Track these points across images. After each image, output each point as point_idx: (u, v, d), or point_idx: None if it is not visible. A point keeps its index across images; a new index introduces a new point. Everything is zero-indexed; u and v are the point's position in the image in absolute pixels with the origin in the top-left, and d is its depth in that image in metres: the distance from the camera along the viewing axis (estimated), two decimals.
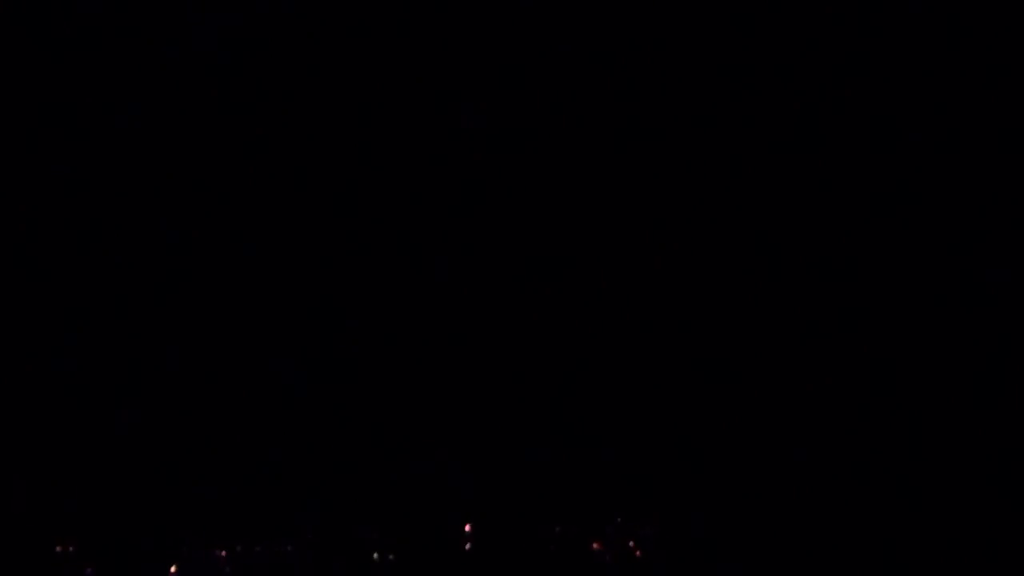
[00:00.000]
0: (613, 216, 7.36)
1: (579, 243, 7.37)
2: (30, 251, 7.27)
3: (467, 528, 7.27)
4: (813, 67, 7.28)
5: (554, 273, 7.40)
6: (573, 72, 7.36)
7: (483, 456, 7.30)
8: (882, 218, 7.28)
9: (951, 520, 7.00)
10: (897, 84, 7.26)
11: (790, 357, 7.31)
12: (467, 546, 7.24)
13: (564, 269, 7.40)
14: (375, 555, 7.25)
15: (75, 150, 7.29)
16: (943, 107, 7.24)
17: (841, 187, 7.31)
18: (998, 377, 7.12)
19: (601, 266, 7.38)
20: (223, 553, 7.21)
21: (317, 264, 7.37)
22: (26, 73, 7.22)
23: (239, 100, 7.32)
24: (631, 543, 7.27)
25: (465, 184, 7.41)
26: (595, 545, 7.27)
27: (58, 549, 7.18)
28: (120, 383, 7.28)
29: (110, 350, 7.29)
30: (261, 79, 7.31)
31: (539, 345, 7.35)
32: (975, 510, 7.01)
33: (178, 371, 7.28)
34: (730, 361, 7.34)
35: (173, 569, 7.18)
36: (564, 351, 7.35)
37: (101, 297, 7.30)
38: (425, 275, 7.41)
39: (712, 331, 7.38)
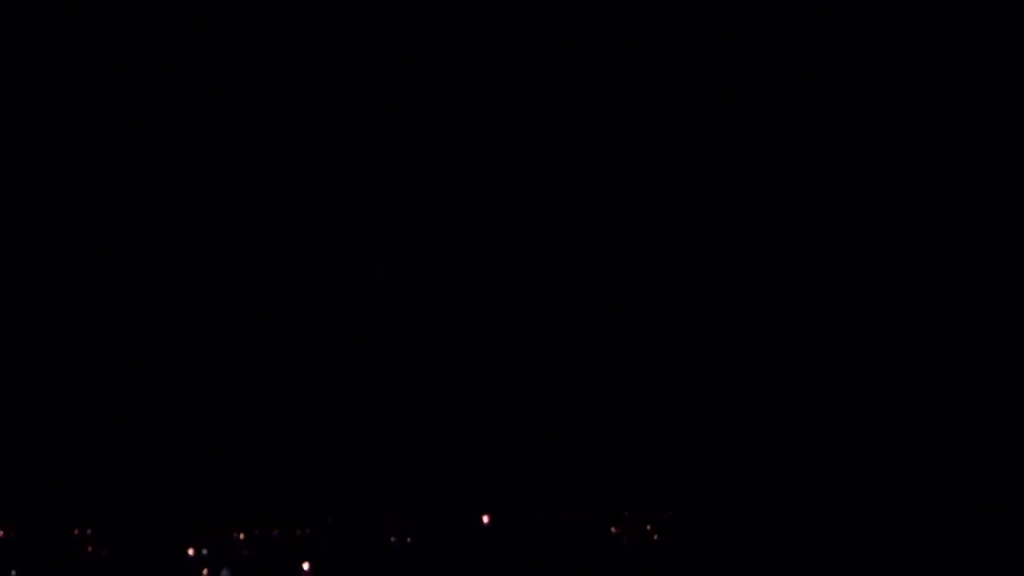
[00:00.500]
0: (617, 216, 7.40)
1: (591, 239, 7.40)
2: (32, 251, 7.30)
3: (485, 516, 7.28)
4: (814, 67, 7.33)
5: (571, 267, 7.42)
6: (573, 72, 7.41)
7: (502, 440, 7.31)
8: (882, 218, 7.30)
9: (953, 520, 7.02)
10: (897, 84, 7.30)
11: (798, 352, 7.33)
12: (485, 528, 7.24)
13: (579, 264, 7.43)
14: (392, 538, 7.25)
15: (75, 150, 7.33)
16: (943, 107, 7.27)
17: (841, 187, 7.34)
18: (998, 377, 7.14)
19: (614, 261, 7.40)
20: (241, 536, 7.21)
21: (340, 259, 7.40)
22: (26, 73, 7.27)
23: (239, 100, 7.36)
24: (648, 527, 7.26)
25: (465, 184, 7.44)
26: (613, 529, 7.27)
27: (75, 532, 7.19)
28: (142, 369, 7.30)
29: (133, 340, 7.32)
30: (261, 79, 7.34)
31: (560, 333, 7.37)
32: (975, 510, 7.02)
33: (201, 356, 7.30)
34: (744, 351, 7.36)
35: (191, 551, 7.18)
36: (585, 340, 7.37)
37: (116, 292, 7.32)
38: (439, 270, 7.43)
39: (724, 326, 7.40)
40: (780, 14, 7.28)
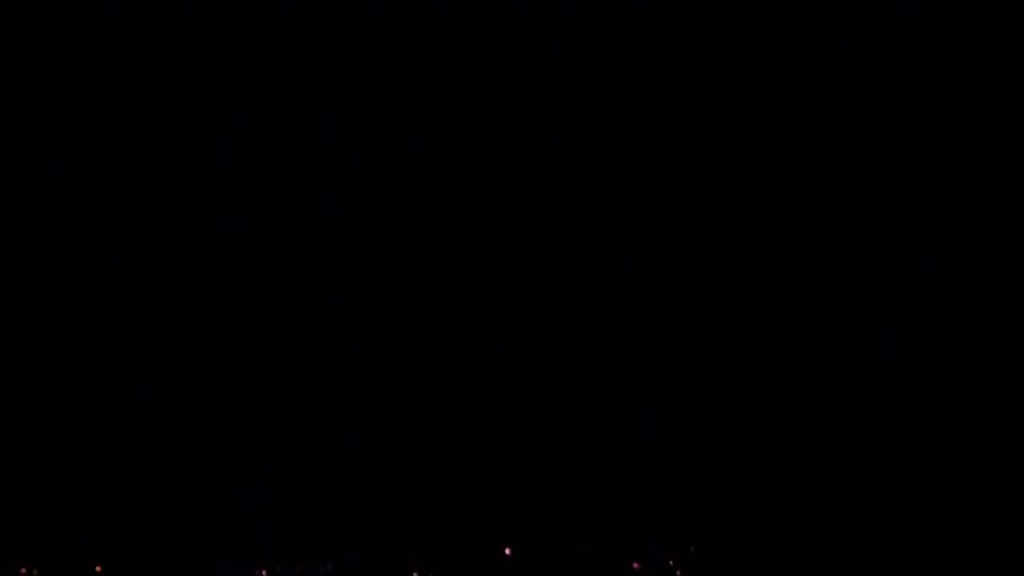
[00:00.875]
0: (625, 217, 7.43)
1: (618, 251, 7.43)
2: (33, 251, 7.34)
3: (507, 551, 7.27)
4: (813, 67, 7.38)
5: (594, 295, 7.46)
6: (572, 73, 7.47)
7: (523, 473, 7.31)
8: (882, 218, 7.33)
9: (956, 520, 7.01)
10: (897, 84, 7.35)
11: (824, 386, 7.34)
12: (507, 561, 7.23)
13: (603, 293, 7.47)
14: (415, 574, 7.24)
15: (74, 150, 7.39)
16: (943, 107, 7.32)
17: (841, 187, 7.38)
18: (998, 377, 7.14)
19: (639, 290, 7.45)
20: (264, 573, 7.21)
21: (361, 295, 7.45)
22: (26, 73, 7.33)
23: (239, 99, 7.41)
24: (671, 561, 7.24)
25: (464, 184, 7.48)
26: (635, 564, 7.25)
27: (98, 569, 7.19)
28: (162, 404, 7.33)
29: (154, 373, 7.36)
30: (261, 79, 7.40)
31: (582, 368, 7.40)
32: (975, 510, 7.01)
33: (222, 395, 7.34)
34: (768, 384, 7.37)
35: None
36: (608, 373, 7.39)
37: (137, 305, 7.36)
38: (461, 303, 7.47)
39: (752, 361, 7.41)
40: (780, 14, 7.35)
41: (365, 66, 7.45)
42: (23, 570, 7.12)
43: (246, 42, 7.38)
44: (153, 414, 7.33)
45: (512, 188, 7.48)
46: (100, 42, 7.36)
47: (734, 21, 7.36)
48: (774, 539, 7.20)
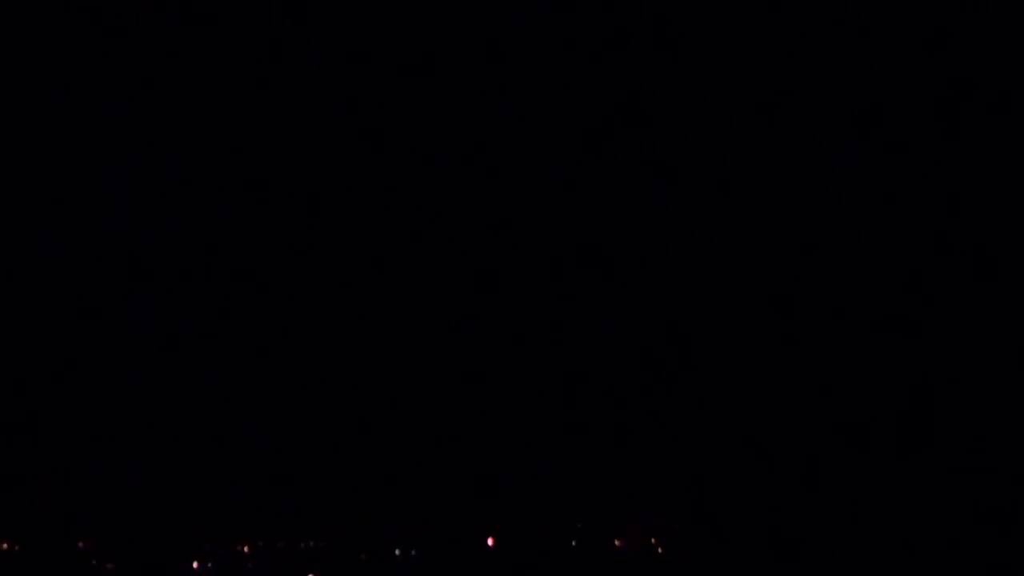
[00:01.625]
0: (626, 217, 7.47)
1: (592, 241, 7.45)
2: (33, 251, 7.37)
3: (490, 528, 7.26)
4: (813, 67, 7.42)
5: (577, 275, 7.48)
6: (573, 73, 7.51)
7: (507, 452, 7.31)
8: (881, 218, 7.36)
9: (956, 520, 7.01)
10: (897, 84, 7.39)
11: (807, 360, 7.34)
12: (490, 542, 7.23)
13: (586, 272, 7.48)
14: (397, 550, 7.23)
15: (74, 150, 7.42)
16: (944, 107, 7.36)
17: (841, 187, 7.41)
18: (998, 377, 7.15)
19: (617, 266, 7.46)
20: (246, 549, 7.20)
21: (345, 267, 7.46)
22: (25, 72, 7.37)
23: (239, 99, 7.45)
24: (653, 539, 7.24)
25: (465, 184, 7.51)
26: (617, 541, 7.25)
27: (80, 545, 7.18)
28: (148, 381, 7.34)
29: (141, 351, 7.38)
30: (260, 79, 7.44)
31: (564, 346, 7.41)
32: (975, 510, 7.01)
33: (208, 369, 7.34)
34: (750, 362, 7.38)
35: (195, 565, 7.16)
36: (590, 352, 7.40)
37: (125, 301, 7.38)
38: (445, 280, 7.48)
39: (729, 337, 7.42)
40: (779, 14, 7.39)
41: (365, 66, 7.49)
42: (5, 545, 7.12)
43: (246, 42, 7.42)
44: (137, 393, 7.34)
45: (511, 188, 7.51)
46: (100, 42, 7.40)
47: (734, 21, 7.41)
48: (757, 518, 7.20)
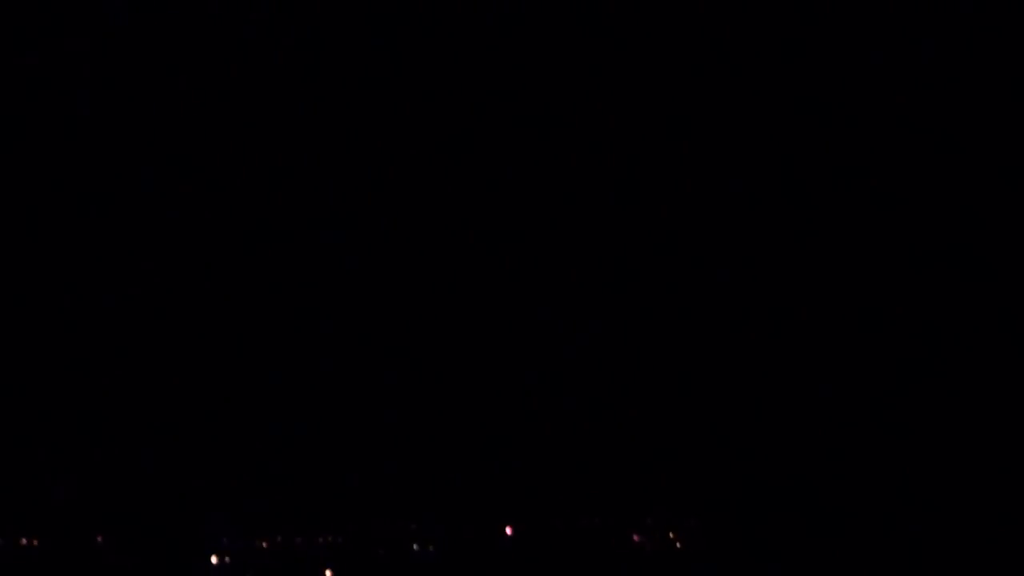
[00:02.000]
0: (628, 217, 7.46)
1: (602, 242, 7.45)
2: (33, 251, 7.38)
3: (508, 524, 7.26)
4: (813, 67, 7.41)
5: (591, 275, 7.47)
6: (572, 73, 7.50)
7: (524, 447, 7.31)
8: (882, 218, 7.35)
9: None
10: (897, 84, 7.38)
11: (822, 355, 7.33)
12: (507, 538, 7.22)
13: (598, 271, 7.47)
14: (415, 546, 7.23)
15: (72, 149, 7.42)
16: (944, 107, 7.34)
17: (841, 187, 7.39)
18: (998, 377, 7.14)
19: (630, 266, 7.45)
20: (264, 544, 7.21)
21: (353, 265, 7.45)
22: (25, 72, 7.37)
23: (238, 99, 7.45)
24: (671, 534, 7.23)
25: (464, 184, 7.50)
26: (635, 536, 7.24)
27: (98, 539, 7.20)
28: (165, 377, 7.35)
29: (156, 348, 7.38)
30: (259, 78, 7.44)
31: (581, 340, 7.40)
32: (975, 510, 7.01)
33: (225, 365, 7.35)
34: (768, 356, 7.36)
35: (214, 559, 7.17)
36: (608, 346, 7.39)
37: (136, 301, 7.39)
38: (456, 279, 7.47)
39: (748, 332, 7.41)
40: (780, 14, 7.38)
41: (365, 66, 7.49)
42: (23, 540, 7.13)
43: (246, 42, 7.42)
44: (155, 389, 7.35)
45: (511, 188, 7.50)
46: (100, 41, 7.41)
47: (734, 21, 7.39)
48: (774, 512, 7.18)
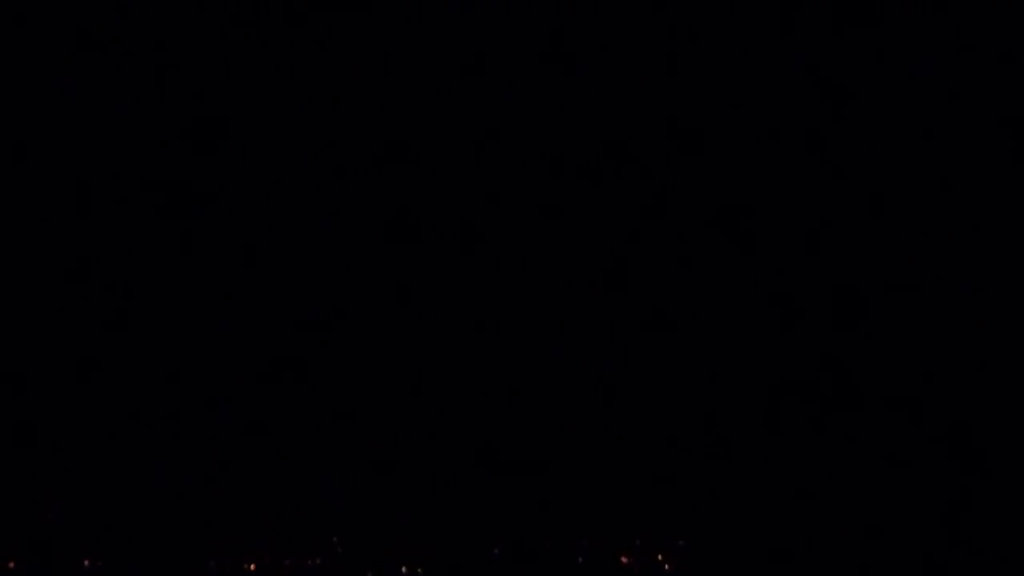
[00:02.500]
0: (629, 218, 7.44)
1: (602, 257, 7.44)
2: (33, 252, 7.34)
3: (496, 545, 7.26)
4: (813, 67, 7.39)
5: (582, 289, 7.46)
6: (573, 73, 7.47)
7: (511, 468, 7.30)
8: (881, 218, 7.34)
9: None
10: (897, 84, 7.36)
11: (816, 376, 7.34)
12: (496, 558, 7.22)
13: (591, 286, 7.46)
14: (403, 568, 7.23)
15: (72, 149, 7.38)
16: (943, 107, 7.33)
17: (841, 187, 7.38)
18: (998, 377, 7.15)
19: (626, 280, 7.44)
20: (252, 567, 7.20)
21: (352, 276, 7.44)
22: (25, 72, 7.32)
23: (238, 99, 7.41)
24: (660, 556, 7.23)
25: (465, 184, 7.48)
26: (623, 559, 7.24)
27: (86, 563, 7.17)
28: (153, 396, 7.32)
29: (146, 363, 7.35)
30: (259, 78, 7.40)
31: (570, 360, 7.39)
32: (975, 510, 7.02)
33: (215, 383, 7.33)
34: (759, 376, 7.36)
35: None
36: (595, 366, 7.38)
37: (138, 305, 7.36)
38: (451, 296, 7.46)
39: (738, 350, 7.41)
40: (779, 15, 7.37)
41: (364, 66, 7.46)
42: (11, 564, 7.11)
43: (246, 42, 7.38)
44: (142, 407, 7.32)
45: (510, 188, 7.49)
46: (99, 41, 7.37)
47: (734, 21, 7.37)
48: (765, 534, 7.19)
